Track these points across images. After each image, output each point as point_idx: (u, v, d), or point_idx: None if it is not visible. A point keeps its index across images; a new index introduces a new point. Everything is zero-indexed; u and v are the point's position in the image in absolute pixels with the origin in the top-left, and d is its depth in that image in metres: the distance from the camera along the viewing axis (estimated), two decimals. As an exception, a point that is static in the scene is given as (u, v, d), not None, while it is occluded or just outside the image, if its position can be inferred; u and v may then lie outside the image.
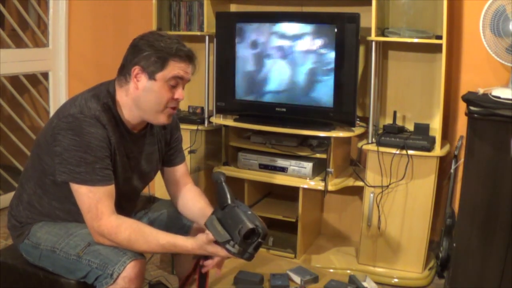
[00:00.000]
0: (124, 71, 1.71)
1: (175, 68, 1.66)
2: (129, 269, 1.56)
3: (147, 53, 1.65)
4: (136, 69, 1.67)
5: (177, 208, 1.96)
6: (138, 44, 1.68)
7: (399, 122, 2.77)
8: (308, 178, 2.73)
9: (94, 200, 1.60)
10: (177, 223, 1.92)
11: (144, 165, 1.84)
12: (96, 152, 1.60)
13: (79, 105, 1.65)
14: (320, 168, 2.76)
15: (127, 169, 1.77)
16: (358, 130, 2.71)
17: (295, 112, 2.73)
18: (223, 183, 1.66)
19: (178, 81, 1.68)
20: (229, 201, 1.60)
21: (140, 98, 1.69)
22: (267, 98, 2.80)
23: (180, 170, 1.98)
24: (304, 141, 2.87)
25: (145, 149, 1.83)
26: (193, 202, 1.90)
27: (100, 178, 1.61)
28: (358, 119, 2.75)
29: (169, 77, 1.66)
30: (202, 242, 1.60)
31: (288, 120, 2.73)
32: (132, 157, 1.78)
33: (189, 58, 1.69)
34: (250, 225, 1.51)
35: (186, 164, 2.01)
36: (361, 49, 2.69)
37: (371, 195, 2.66)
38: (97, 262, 1.59)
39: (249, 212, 1.57)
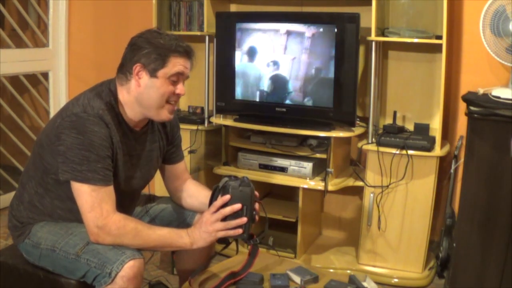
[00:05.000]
0: (124, 70, 1.72)
1: (176, 64, 1.68)
2: (128, 269, 1.56)
3: (147, 50, 1.67)
4: (137, 67, 1.68)
5: (178, 203, 1.99)
6: (137, 42, 1.70)
7: (399, 122, 2.77)
8: (308, 178, 2.73)
9: (98, 199, 1.60)
10: (178, 218, 1.95)
11: (145, 162, 1.85)
12: (99, 151, 1.61)
13: (82, 104, 1.66)
14: (320, 168, 2.76)
15: (129, 167, 1.78)
16: (358, 130, 2.71)
17: (295, 112, 2.73)
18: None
19: (179, 76, 1.71)
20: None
21: (143, 95, 1.70)
22: (267, 98, 2.80)
23: (181, 167, 2.02)
24: (304, 141, 2.86)
25: (146, 147, 1.84)
26: (198, 191, 1.96)
27: (101, 178, 1.61)
28: (358, 119, 2.74)
29: (170, 73, 1.68)
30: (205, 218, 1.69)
31: (288, 120, 2.73)
32: (133, 155, 1.79)
33: (188, 53, 1.72)
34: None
35: (185, 161, 2.05)
36: (361, 49, 2.69)
37: (371, 195, 2.66)
38: (95, 261, 1.60)
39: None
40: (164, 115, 1.74)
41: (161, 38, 1.69)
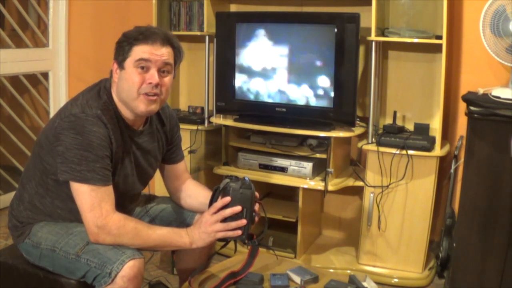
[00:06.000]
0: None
1: (138, 52, 1.67)
2: (128, 269, 1.56)
3: (117, 45, 1.71)
4: (114, 64, 1.72)
5: (178, 203, 1.99)
6: (118, 40, 1.73)
7: (399, 122, 2.77)
8: (308, 178, 2.73)
9: (97, 199, 1.60)
10: (178, 219, 1.95)
11: (144, 161, 1.85)
12: (97, 151, 1.61)
13: (81, 105, 1.66)
14: (320, 168, 2.76)
15: (127, 166, 1.77)
16: (358, 130, 2.71)
17: (295, 112, 2.73)
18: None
19: (148, 64, 1.67)
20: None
21: (119, 89, 1.72)
22: (267, 98, 2.80)
23: (181, 167, 2.02)
24: (304, 141, 2.87)
25: (145, 146, 1.84)
26: (198, 191, 1.96)
27: (100, 178, 1.61)
28: (358, 119, 2.75)
29: (133, 61, 1.67)
30: (203, 219, 1.69)
31: (288, 120, 2.73)
32: (132, 154, 1.79)
33: (153, 40, 1.67)
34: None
35: (185, 161, 2.05)
36: (361, 49, 2.69)
37: (371, 195, 2.66)
38: (95, 261, 1.60)
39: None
40: (141, 107, 1.69)
41: (134, 30, 1.70)
